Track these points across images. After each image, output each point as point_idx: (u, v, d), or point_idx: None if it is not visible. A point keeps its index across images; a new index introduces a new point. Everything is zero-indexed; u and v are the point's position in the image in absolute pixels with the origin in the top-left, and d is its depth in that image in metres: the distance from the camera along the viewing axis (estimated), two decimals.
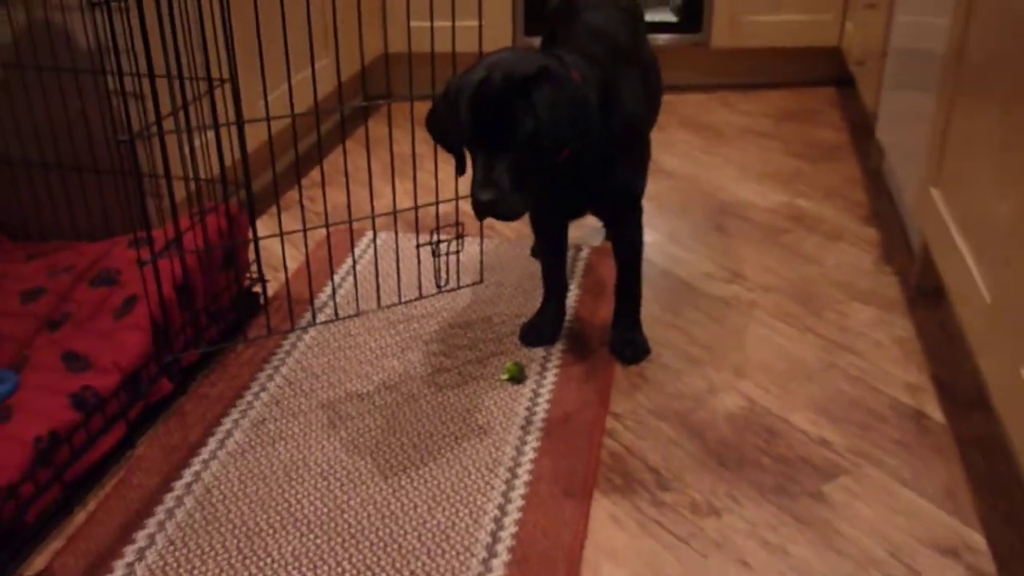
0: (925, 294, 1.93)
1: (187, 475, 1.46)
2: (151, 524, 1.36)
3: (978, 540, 1.32)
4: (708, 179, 2.52)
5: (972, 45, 1.60)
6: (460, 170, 1.54)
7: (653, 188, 2.40)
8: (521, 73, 1.40)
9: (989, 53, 1.50)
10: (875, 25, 2.47)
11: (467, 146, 1.47)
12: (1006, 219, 1.33)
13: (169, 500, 1.41)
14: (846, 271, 2.04)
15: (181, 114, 1.65)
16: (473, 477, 1.44)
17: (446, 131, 1.51)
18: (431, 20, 1.66)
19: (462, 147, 1.50)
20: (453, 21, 1.63)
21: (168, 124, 1.76)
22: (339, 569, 1.27)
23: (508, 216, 1.44)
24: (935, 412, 1.59)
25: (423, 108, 3.00)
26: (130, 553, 1.31)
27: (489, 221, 2.24)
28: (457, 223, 1.86)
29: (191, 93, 1.69)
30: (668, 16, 3.16)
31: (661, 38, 3.11)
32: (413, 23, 2.95)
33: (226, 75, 1.62)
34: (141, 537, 1.34)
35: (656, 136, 1.77)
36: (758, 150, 2.71)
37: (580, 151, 1.51)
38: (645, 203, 1.71)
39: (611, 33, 1.67)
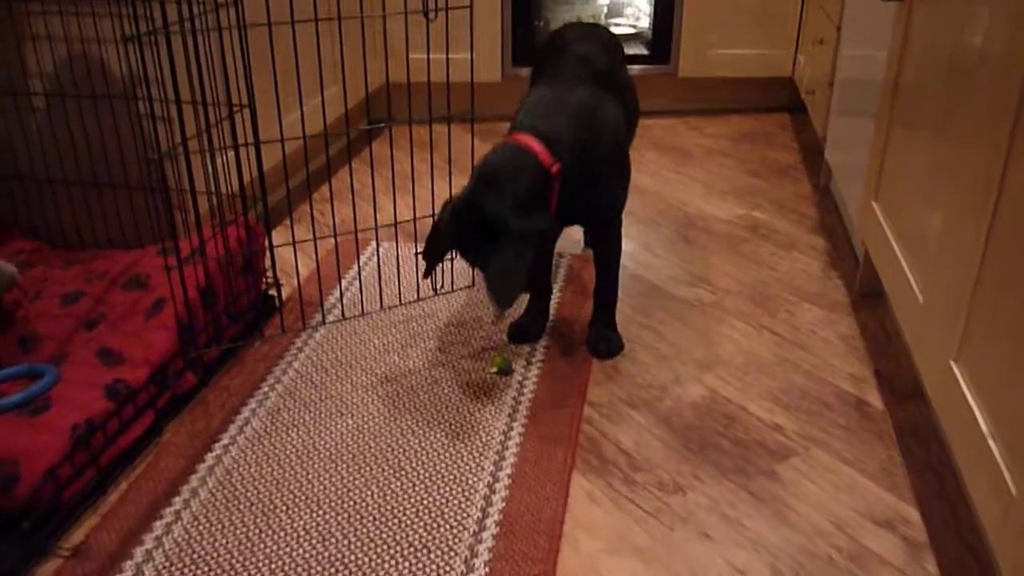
0: (867, 296, 1.95)
1: (209, 459, 1.46)
2: (177, 502, 1.37)
3: (912, 513, 1.34)
4: (675, 195, 2.54)
5: (905, 78, 1.62)
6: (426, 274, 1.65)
7: (627, 203, 2.42)
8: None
9: (919, 85, 1.52)
10: (823, 58, 2.49)
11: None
12: (936, 229, 1.35)
13: (193, 481, 1.41)
14: (797, 276, 2.05)
15: (204, 136, 1.66)
16: (465, 459, 1.45)
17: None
18: (427, 53, 1.67)
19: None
20: (447, 54, 1.64)
21: (193, 145, 1.78)
22: (345, 542, 1.28)
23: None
24: (876, 401, 1.60)
25: (421, 131, 3.03)
26: (158, 528, 1.32)
27: None
28: None
29: (213, 117, 1.70)
30: (640, 49, 3.18)
31: (634, 68, 3.13)
32: (412, 56, 2.97)
33: (245, 101, 1.63)
34: (168, 514, 1.34)
35: (630, 157, 1.78)
36: (720, 169, 2.73)
37: (569, 170, 1.53)
38: None
39: (594, 60, 1.69)
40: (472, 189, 1.51)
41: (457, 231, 1.53)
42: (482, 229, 1.49)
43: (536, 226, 1.49)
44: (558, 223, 1.71)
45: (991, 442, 1.06)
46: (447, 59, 1.64)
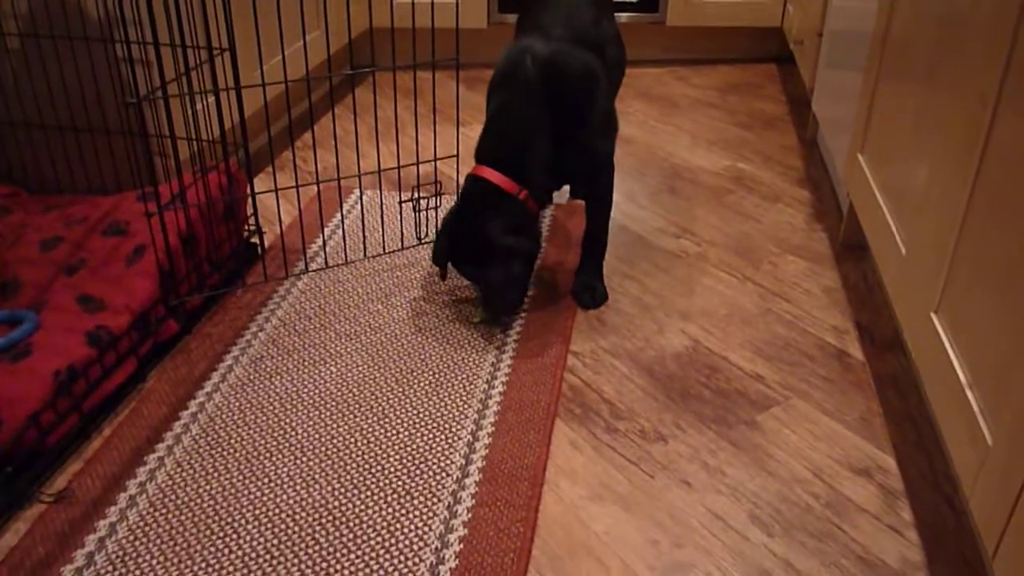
0: (850, 248, 1.96)
1: (193, 405, 1.46)
2: (161, 448, 1.37)
3: (889, 462, 1.36)
4: (662, 145, 2.52)
5: (895, 29, 1.60)
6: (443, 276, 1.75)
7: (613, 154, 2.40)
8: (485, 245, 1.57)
9: (909, 35, 1.51)
10: (813, 8, 2.46)
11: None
12: (921, 181, 1.35)
13: (177, 427, 1.42)
14: (782, 228, 2.06)
15: (184, 80, 1.63)
16: (449, 407, 1.46)
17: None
18: None
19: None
20: None
21: (172, 89, 1.75)
22: (329, 488, 1.29)
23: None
24: (856, 352, 1.62)
25: (405, 77, 2.99)
26: (142, 474, 1.32)
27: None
28: (436, 181, 1.86)
29: (193, 61, 1.67)
30: None
31: (622, 17, 3.09)
32: (396, 0, 2.91)
33: (225, 45, 1.60)
34: (152, 460, 1.35)
35: (616, 106, 1.77)
36: (707, 120, 2.72)
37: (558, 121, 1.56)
38: None
39: (577, 9, 1.66)
40: (460, 207, 1.60)
41: (450, 245, 1.62)
42: (473, 246, 1.58)
43: (522, 244, 1.57)
44: (550, 185, 1.70)
45: (968, 392, 1.07)
46: (432, 4, 1.61)
